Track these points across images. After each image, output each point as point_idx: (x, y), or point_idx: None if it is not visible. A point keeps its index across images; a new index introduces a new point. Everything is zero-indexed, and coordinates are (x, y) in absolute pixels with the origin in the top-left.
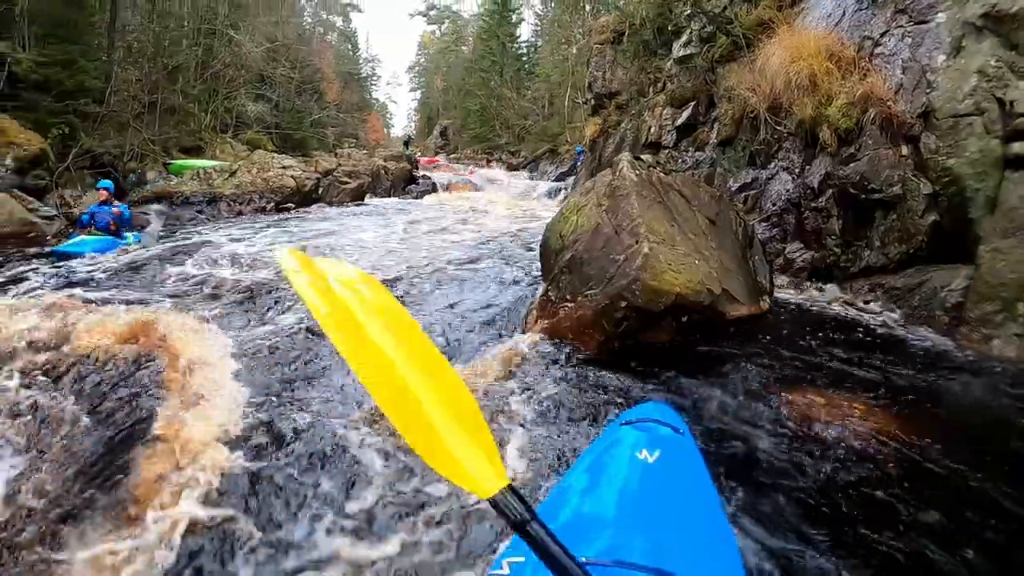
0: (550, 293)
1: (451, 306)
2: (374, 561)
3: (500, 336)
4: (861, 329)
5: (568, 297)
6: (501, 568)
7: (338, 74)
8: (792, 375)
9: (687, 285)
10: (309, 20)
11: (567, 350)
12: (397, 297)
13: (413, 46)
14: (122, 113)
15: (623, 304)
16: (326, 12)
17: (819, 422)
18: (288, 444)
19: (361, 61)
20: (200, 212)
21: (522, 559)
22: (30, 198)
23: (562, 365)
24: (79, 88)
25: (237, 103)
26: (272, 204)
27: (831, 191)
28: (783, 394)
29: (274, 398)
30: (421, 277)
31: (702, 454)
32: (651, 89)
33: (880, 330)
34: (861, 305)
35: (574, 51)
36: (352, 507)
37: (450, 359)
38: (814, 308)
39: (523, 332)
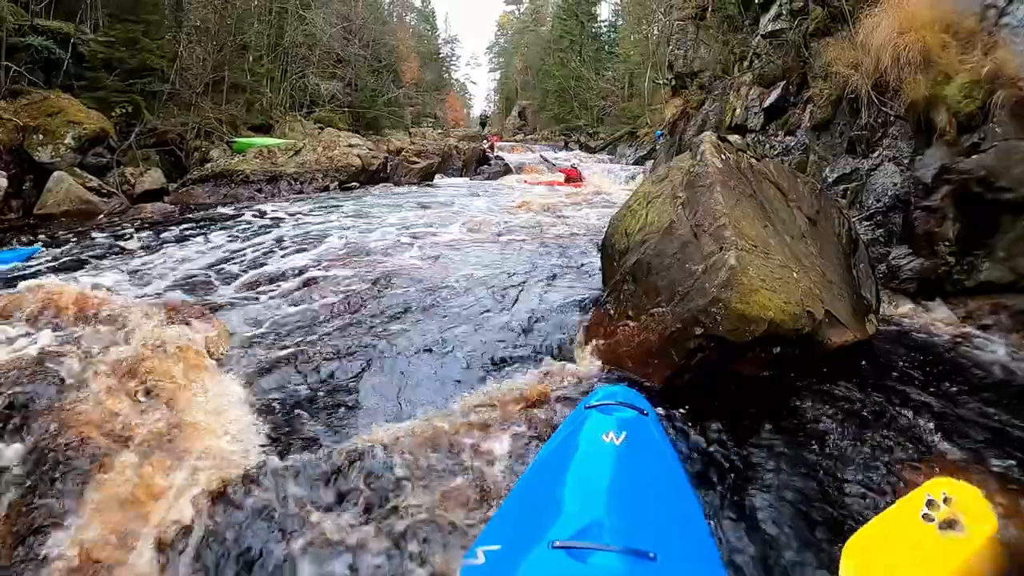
0: (608, 307)
1: (486, 314)
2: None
3: (540, 356)
4: (989, 367)
5: (630, 314)
6: (475, 557)
7: (417, 54)
8: (913, 438)
9: (783, 308)
10: (387, 0)
11: (623, 382)
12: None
13: (492, 26)
14: (185, 91)
15: (699, 331)
16: None
17: None
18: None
19: (440, 41)
20: (260, 191)
21: (497, 547)
22: (90, 176)
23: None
24: (143, 67)
25: (309, 82)
26: (336, 183)
27: (947, 188)
28: (904, 470)
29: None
30: (456, 272)
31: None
32: (736, 67)
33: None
34: (980, 332)
35: (655, 31)
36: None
37: (469, 383)
38: (928, 333)
39: (571, 354)
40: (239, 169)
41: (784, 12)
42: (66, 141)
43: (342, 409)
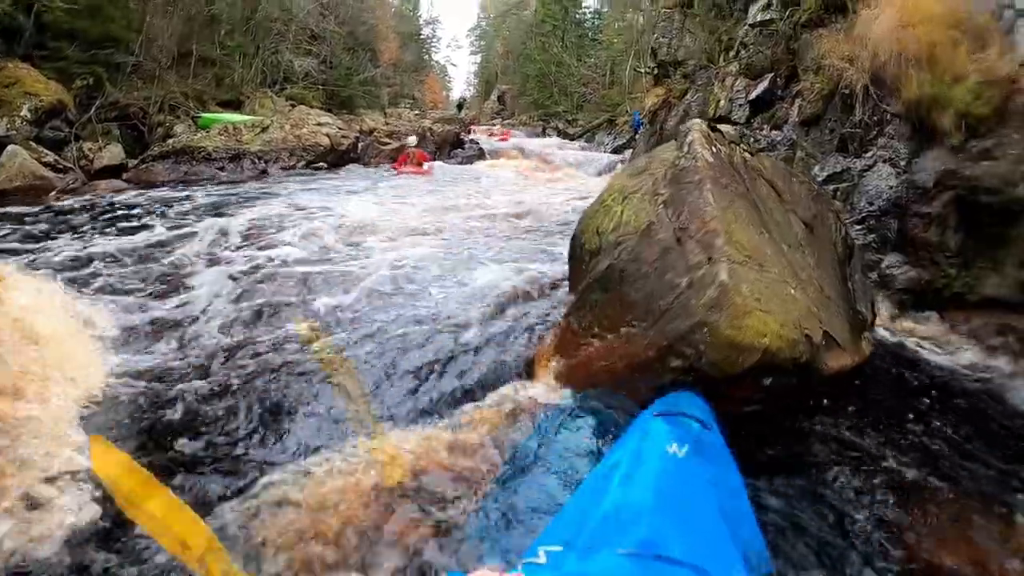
0: (572, 320)
1: (436, 320)
2: None
3: (496, 375)
4: (995, 397)
5: (598, 329)
6: (537, 556)
7: (397, 34)
8: (912, 485)
9: (779, 334)
10: None
11: (593, 408)
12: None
13: (475, 8)
14: (150, 64)
15: (679, 361)
16: None
17: None
18: None
19: (421, 22)
20: (221, 169)
21: (559, 548)
22: (46, 150)
23: (581, 435)
24: (106, 37)
25: (283, 58)
26: (302, 163)
27: (950, 194)
28: (901, 529)
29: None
30: (400, 270)
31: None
32: (722, 57)
33: None
34: (984, 354)
35: (640, 19)
36: None
37: (391, 418)
38: (926, 354)
39: (528, 376)
40: (201, 146)
41: (775, 1)
42: (22, 113)
43: (257, 438)
